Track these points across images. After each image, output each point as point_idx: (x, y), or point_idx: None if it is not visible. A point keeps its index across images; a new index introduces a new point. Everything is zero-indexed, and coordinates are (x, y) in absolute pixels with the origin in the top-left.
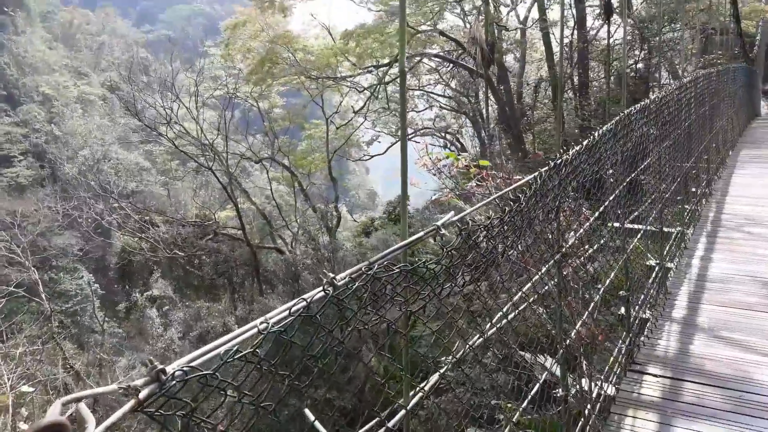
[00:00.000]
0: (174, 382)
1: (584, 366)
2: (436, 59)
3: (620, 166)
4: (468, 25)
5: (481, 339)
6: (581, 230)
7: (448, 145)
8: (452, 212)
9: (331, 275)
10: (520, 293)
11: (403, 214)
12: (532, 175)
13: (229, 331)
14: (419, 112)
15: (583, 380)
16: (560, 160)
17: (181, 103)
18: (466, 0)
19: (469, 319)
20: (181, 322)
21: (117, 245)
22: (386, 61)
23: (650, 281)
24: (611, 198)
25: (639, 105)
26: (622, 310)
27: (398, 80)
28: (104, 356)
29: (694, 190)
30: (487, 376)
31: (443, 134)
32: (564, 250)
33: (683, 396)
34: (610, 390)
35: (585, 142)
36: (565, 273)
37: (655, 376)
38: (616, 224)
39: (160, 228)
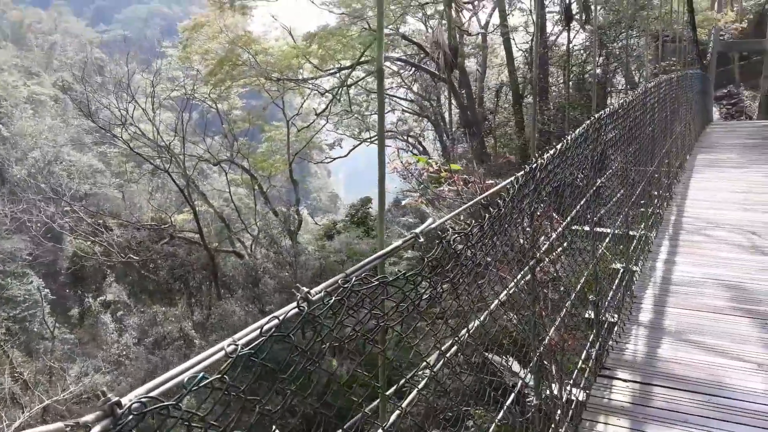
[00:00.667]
0: (131, 416)
1: (554, 371)
2: (399, 63)
3: (590, 170)
4: (430, 30)
5: (455, 347)
6: (554, 235)
7: (410, 148)
8: (431, 219)
9: (305, 289)
10: (497, 301)
11: (380, 223)
12: (509, 180)
13: (186, 336)
14: None
15: (554, 386)
16: (536, 165)
17: (137, 105)
18: (429, 4)
19: (446, 328)
20: (136, 328)
21: (69, 249)
22: (349, 63)
23: (616, 285)
24: (582, 202)
25: (608, 109)
26: (592, 314)
27: (360, 83)
28: (54, 364)
29: (656, 193)
30: (461, 383)
31: (406, 137)
32: (538, 255)
33: (654, 401)
34: (581, 395)
35: (559, 146)
36: (538, 278)
37: (625, 380)
38: (586, 228)
39: (114, 232)
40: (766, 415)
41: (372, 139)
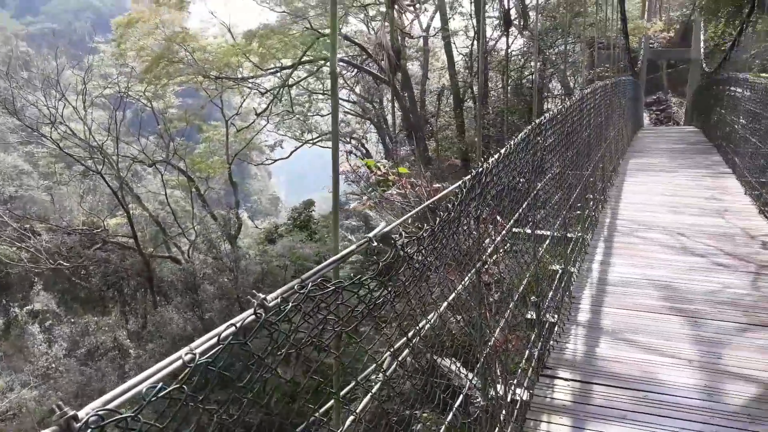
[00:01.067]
0: (89, 430)
1: (498, 372)
2: (341, 64)
3: (531, 175)
4: (372, 31)
5: (407, 350)
6: (498, 238)
7: (353, 150)
8: (383, 223)
9: (261, 296)
10: (445, 303)
11: (335, 226)
12: (457, 184)
13: (121, 346)
14: (324, 116)
15: (499, 386)
16: (482, 169)
17: (67, 102)
18: (371, 6)
19: (398, 332)
20: (67, 338)
21: None
22: (290, 62)
23: (555, 285)
24: (524, 206)
25: (548, 115)
26: (533, 315)
27: (302, 83)
28: None
29: (591, 196)
30: (411, 387)
31: (348, 139)
32: (484, 258)
33: (594, 399)
34: (525, 395)
35: (503, 151)
36: (483, 280)
37: (566, 380)
38: (528, 231)
39: (42, 237)
40: (697, 409)
41: (314, 141)
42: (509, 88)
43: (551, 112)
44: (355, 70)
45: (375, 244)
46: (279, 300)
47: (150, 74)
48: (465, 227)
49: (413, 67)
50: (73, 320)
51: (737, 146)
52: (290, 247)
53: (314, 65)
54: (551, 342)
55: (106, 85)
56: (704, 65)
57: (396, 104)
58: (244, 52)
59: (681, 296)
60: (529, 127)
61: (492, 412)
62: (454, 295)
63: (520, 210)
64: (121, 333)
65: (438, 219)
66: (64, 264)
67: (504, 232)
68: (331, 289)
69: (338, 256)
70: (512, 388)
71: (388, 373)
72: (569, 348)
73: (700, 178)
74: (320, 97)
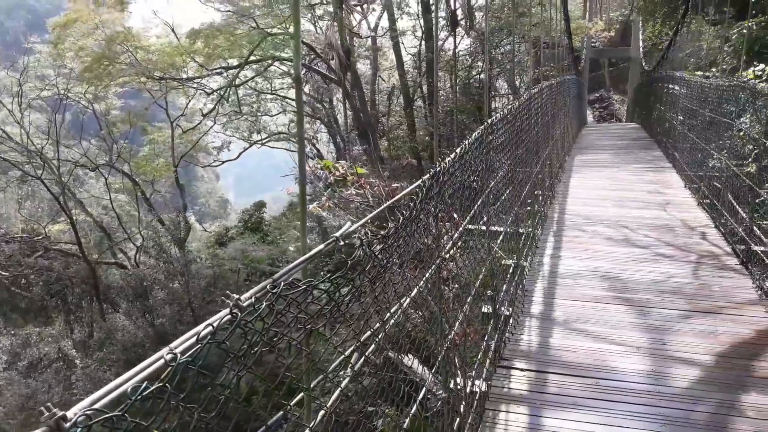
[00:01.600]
0: (78, 430)
1: (457, 365)
2: (289, 63)
3: (484, 173)
4: (320, 31)
5: (374, 345)
6: (455, 235)
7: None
8: (349, 222)
9: (236, 296)
10: (408, 299)
11: (303, 227)
12: (417, 183)
13: (66, 356)
14: (273, 116)
15: (459, 379)
16: (440, 168)
17: (2, 105)
18: (318, 5)
19: (365, 328)
20: (7, 351)
21: None
22: (237, 62)
23: (509, 279)
24: (478, 203)
25: (499, 114)
26: (489, 308)
27: (250, 83)
28: None
29: (540, 193)
30: (379, 381)
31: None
32: (443, 254)
33: (548, 387)
34: (483, 386)
35: (458, 150)
36: (442, 276)
37: (522, 370)
38: (483, 227)
39: None
40: (645, 393)
41: (264, 141)
42: (458, 87)
43: (502, 112)
44: (304, 69)
45: (341, 243)
46: (253, 300)
47: (90, 75)
48: (425, 225)
49: (363, 67)
50: (13, 332)
51: (676, 142)
52: (242, 250)
53: (262, 65)
54: (507, 334)
55: (43, 86)
56: (643, 64)
57: (347, 104)
58: (189, 52)
59: (627, 286)
60: (482, 127)
61: (452, 404)
62: (416, 290)
63: (475, 207)
64: (66, 343)
65: (400, 217)
66: (3, 273)
67: (461, 229)
68: (302, 288)
69: (307, 255)
70: (471, 380)
71: (356, 368)
72: (524, 339)
73: (643, 172)
74: (269, 97)
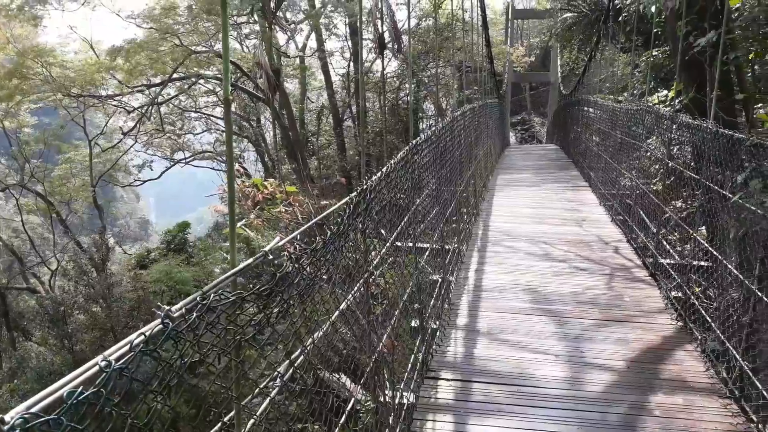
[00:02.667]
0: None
1: (386, 378)
2: (215, 81)
3: (410, 191)
4: (247, 49)
5: (302, 357)
6: (383, 250)
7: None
8: (278, 237)
9: (167, 307)
10: (337, 312)
11: (232, 242)
12: (344, 200)
13: None
14: (197, 134)
15: (388, 392)
16: (367, 186)
17: None
18: (245, 24)
19: (294, 340)
20: None
21: None
22: (159, 80)
23: (436, 294)
24: (405, 220)
25: (423, 136)
26: (417, 322)
27: (173, 101)
28: None
29: (465, 210)
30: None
31: (225, 158)
32: (370, 269)
33: (473, 395)
34: (411, 398)
35: (384, 169)
36: (370, 291)
37: (448, 380)
38: (409, 244)
39: None
40: (563, 398)
41: (188, 160)
42: (386, 108)
43: (425, 134)
44: (233, 89)
45: (270, 257)
46: (183, 311)
47: (1, 91)
48: (352, 241)
49: (291, 86)
50: None
51: (591, 162)
52: (166, 272)
53: (186, 82)
54: (434, 346)
55: None
56: (561, 88)
57: (275, 123)
58: (109, 68)
59: (547, 298)
60: (407, 148)
61: (380, 418)
62: (345, 303)
63: (402, 224)
64: None
65: (328, 233)
66: None
67: (388, 244)
68: (231, 299)
69: (237, 269)
70: (399, 392)
71: (285, 378)
72: (450, 351)
73: (561, 191)
74: (193, 115)
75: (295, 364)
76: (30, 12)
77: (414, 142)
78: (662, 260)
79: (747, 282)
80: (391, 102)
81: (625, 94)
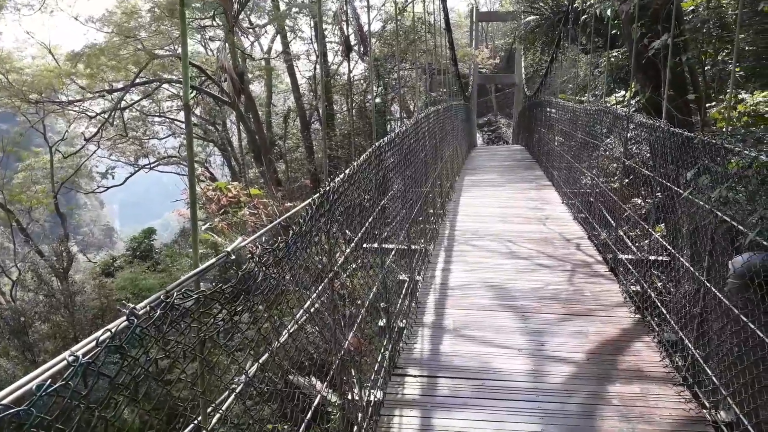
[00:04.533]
0: None
1: (354, 376)
2: (178, 85)
3: (375, 192)
4: (211, 52)
5: (267, 354)
6: (347, 251)
7: (196, 173)
8: (241, 237)
9: (131, 305)
10: (302, 311)
11: (195, 243)
12: (307, 202)
13: None
14: (161, 139)
15: (355, 390)
16: (329, 188)
17: None
18: (209, 27)
19: (260, 338)
20: None
21: None
22: (122, 84)
23: (403, 293)
24: (370, 220)
25: (387, 138)
26: (384, 321)
27: (136, 106)
28: None
29: (432, 211)
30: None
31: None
32: (335, 269)
33: (439, 390)
34: (379, 395)
35: (347, 171)
36: (336, 291)
37: (415, 376)
38: (375, 245)
39: None
40: (526, 390)
41: (152, 165)
42: (354, 111)
43: (390, 135)
44: (195, 92)
45: (233, 257)
46: (148, 308)
47: None
48: (316, 241)
49: (257, 89)
50: None
51: (554, 161)
52: (132, 279)
53: (149, 87)
54: (401, 344)
55: None
56: (525, 89)
57: (241, 126)
58: (69, 74)
59: (511, 294)
60: (370, 149)
61: (348, 414)
62: (309, 302)
63: (367, 224)
64: None
65: (291, 233)
66: None
67: (352, 245)
68: (194, 297)
69: (199, 269)
70: (367, 389)
71: (251, 374)
72: (417, 348)
73: (526, 190)
74: (157, 119)
75: (260, 360)
76: None
77: (378, 143)
78: (621, 256)
79: (697, 273)
80: (359, 104)
81: (588, 94)
